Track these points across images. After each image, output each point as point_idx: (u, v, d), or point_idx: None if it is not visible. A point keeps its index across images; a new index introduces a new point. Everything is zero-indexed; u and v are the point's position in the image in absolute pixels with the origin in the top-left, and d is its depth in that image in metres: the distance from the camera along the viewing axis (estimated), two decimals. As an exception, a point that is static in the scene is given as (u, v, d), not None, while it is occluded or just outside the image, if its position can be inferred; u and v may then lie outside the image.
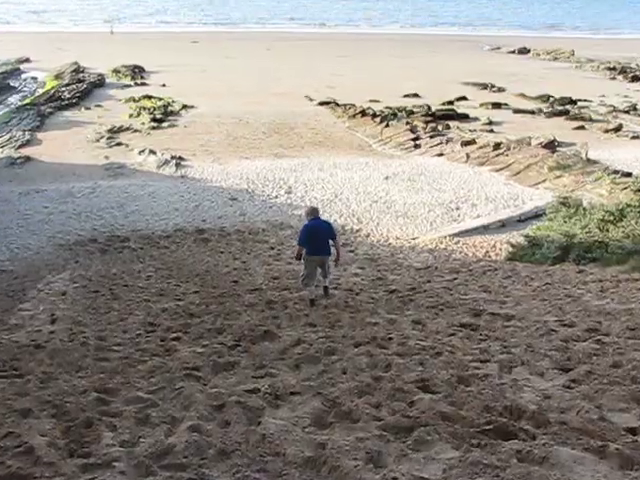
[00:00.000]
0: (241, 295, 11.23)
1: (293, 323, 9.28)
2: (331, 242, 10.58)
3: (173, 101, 38.86)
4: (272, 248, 16.09)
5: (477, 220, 19.31)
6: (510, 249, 16.12)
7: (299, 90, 42.17)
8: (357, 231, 18.23)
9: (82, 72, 47.50)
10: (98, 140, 29.77)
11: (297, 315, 9.74)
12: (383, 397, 5.89)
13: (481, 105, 39.74)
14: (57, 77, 46.25)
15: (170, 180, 23.63)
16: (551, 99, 41.36)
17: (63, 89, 41.15)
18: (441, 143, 29.79)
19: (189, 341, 8.46)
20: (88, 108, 36.79)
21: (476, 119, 35.53)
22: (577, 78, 50.14)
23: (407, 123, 33.45)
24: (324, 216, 18.80)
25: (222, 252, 15.59)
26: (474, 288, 11.59)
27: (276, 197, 21.58)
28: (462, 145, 28.86)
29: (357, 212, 19.97)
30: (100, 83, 45.10)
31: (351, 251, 15.85)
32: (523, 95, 43.20)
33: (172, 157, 26.25)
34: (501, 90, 45.39)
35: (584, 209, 16.43)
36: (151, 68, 49.88)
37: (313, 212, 10.70)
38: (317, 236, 10.32)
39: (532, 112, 37.81)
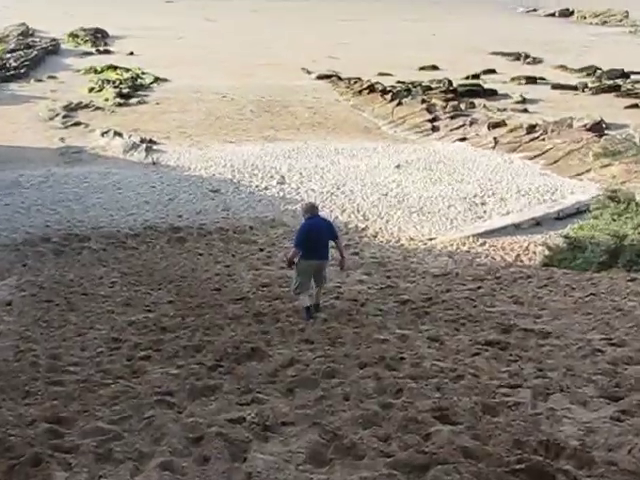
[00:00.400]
0: (224, 306, 11.29)
1: (286, 339, 9.32)
2: (331, 243, 10.77)
3: (143, 73, 38.95)
4: (261, 250, 16.07)
5: (507, 217, 19.34)
6: (546, 252, 16.09)
7: (294, 61, 42.28)
8: (363, 230, 18.21)
9: (31, 36, 47.56)
10: (52, 119, 29.83)
11: (291, 330, 9.77)
12: (393, 428, 5.91)
13: (513, 80, 39.87)
14: (0, 41, 46.20)
15: (139, 168, 23.72)
16: (598, 72, 41.51)
17: (8, 56, 41.17)
18: (464, 125, 29.84)
19: (161, 360, 8.49)
20: (39, 80, 36.91)
21: (506, 96, 35.65)
22: (631, 46, 50.15)
23: (423, 101, 33.54)
24: (322, 213, 18.89)
25: (201, 254, 15.58)
26: (503, 299, 11.63)
27: (266, 189, 21.67)
28: (489, 128, 28.95)
29: (363, 207, 19.98)
30: (54, 50, 45.15)
31: (355, 254, 15.82)
32: (564, 67, 43.37)
33: (141, 140, 26.34)
34: (537, 61, 45.59)
35: (637, 205, 16.46)
36: (116, 32, 50.09)
37: (311, 209, 10.85)
38: (316, 237, 10.44)
39: (574, 88, 37.97)
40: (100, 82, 36.45)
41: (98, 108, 32.02)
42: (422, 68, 42.30)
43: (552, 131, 27.72)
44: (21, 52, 42.38)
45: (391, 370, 7.82)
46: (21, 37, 46.88)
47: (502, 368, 7.80)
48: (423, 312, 10.73)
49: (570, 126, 28.41)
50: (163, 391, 7.26)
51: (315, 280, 10.87)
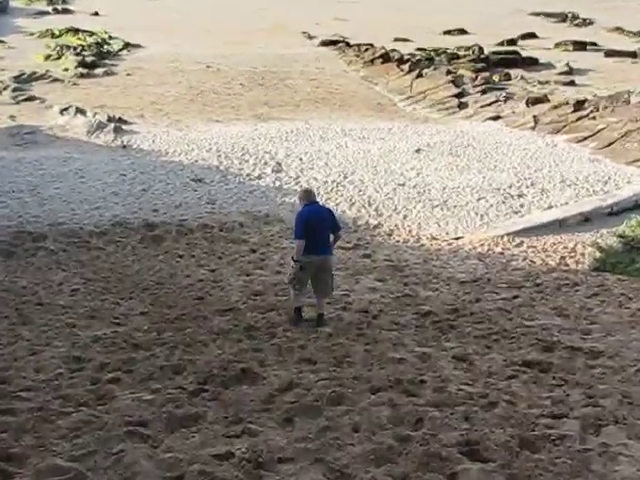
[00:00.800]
0: (208, 318, 11.33)
1: (283, 358, 9.34)
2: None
3: (110, 37, 38.98)
4: (253, 251, 15.98)
5: (549, 212, 19.26)
6: (597, 255, 16.02)
7: (293, 24, 42.30)
8: (375, 227, 18.06)
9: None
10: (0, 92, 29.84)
11: (289, 347, 9.78)
12: (412, 466, 5.93)
13: (557, 46, 39.88)
14: None
15: (106, 152, 23.64)
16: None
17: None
18: (497, 101, 29.84)
19: (132, 384, 8.50)
20: (-17, 46, 36.89)
21: (549, 66, 35.64)
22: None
23: (449, 72, 33.58)
24: (327, 206, 18.75)
25: (181, 256, 15.53)
26: (544, 310, 11.64)
27: (259, 178, 21.56)
28: (528, 104, 28.96)
29: (376, 200, 19.77)
30: (1, 8, 45.05)
31: (366, 256, 15.73)
32: (620, 30, 43.28)
33: (109, 119, 26.30)
34: (587, 23, 45.52)
35: None
36: (78, -11, 50.03)
37: (308, 195, 11.15)
38: (317, 227, 10.68)
39: (633, 54, 37.93)
40: (58, 48, 36.46)
41: (56, 80, 31.99)
42: (447, 32, 42.34)
43: (605, 108, 27.67)
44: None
45: (409, 396, 7.82)
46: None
47: (543, 394, 7.83)
48: (448, 326, 10.74)
49: (627, 102, 28.34)
50: (135, 421, 7.22)
51: (317, 284, 10.93)
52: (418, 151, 24.14)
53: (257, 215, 18.49)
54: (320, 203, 12.08)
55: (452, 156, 23.64)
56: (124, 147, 24.29)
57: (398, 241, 17.16)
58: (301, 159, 23.18)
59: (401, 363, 9.00)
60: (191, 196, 19.83)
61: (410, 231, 17.83)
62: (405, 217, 18.70)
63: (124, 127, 25.92)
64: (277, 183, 21.15)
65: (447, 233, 17.75)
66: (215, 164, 22.66)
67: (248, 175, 21.77)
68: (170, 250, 15.89)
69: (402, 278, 14.08)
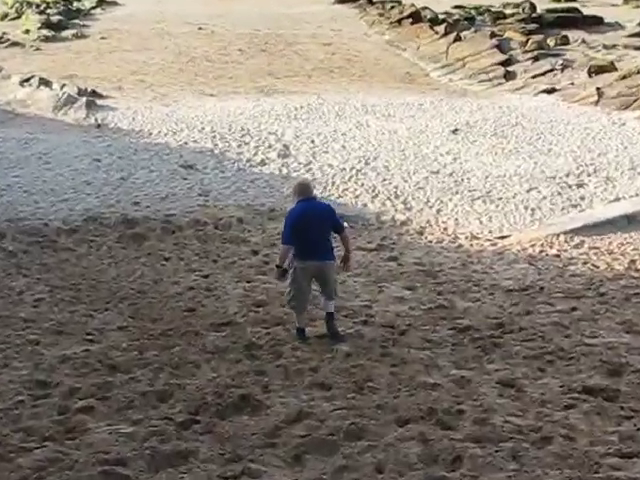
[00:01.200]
0: (201, 334, 11.29)
1: (291, 382, 9.32)
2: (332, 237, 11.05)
3: (81, -7, 38.96)
4: (255, 252, 15.83)
5: (615, 206, 19.11)
6: (675, 258, 16.09)
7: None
8: (403, 224, 17.82)
9: None
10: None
11: (298, 369, 9.76)
12: (448, 515, 5.90)
13: (627, 1, 39.71)
14: None
15: (76, 132, 23.68)
16: None
17: None
18: (552, 70, 29.77)
19: (108, 414, 8.49)
20: None
21: (617, 26, 35.45)
22: None
23: (492, 35, 33.51)
24: (345, 199, 18.77)
25: (168, 259, 15.40)
26: (609, 326, 11.54)
27: (263, 164, 21.53)
28: (590, 74, 28.82)
29: (404, 191, 19.56)
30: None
31: (392, 259, 15.58)
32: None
33: (80, 92, 26.35)
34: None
35: None
36: None
37: (304, 189, 11.31)
38: (313, 226, 10.79)
39: None
40: (17, 5, 36.55)
41: (15, 44, 32.07)
42: (491, -14, 42.19)
43: (684, 78, 27.50)
44: None
45: (445, 429, 7.83)
46: None
47: (609, 428, 7.78)
48: (491, 344, 10.70)
49: None
50: (112, 458, 7.21)
51: (321, 287, 11.11)
52: (455, 131, 24.06)
53: (260, 209, 18.30)
54: (319, 198, 12.32)
55: (497, 137, 23.54)
56: (98, 126, 24.29)
57: (431, 241, 16.98)
58: (313, 141, 23.06)
59: (434, 389, 8.95)
60: (180, 186, 19.70)
61: (445, 229, 17.62)
62: (439, 212, 18.51)
63: (98, 102, 25.88)
64: (284, 170, 21.03)
65: (490, 231, 17.50)
66: (209, 147, 22.57)
67: (249, 161, 21.70)
68: (154, 251, 15.80)
69: (435, 286, 13.99)
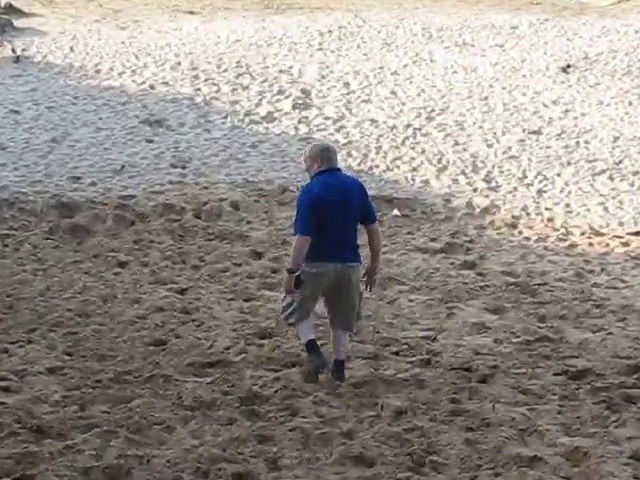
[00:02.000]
0: (174, 380, 10.11)
1: (312, 455, 8.24)
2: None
3: None
4: (257, 255, 14.66)
5: None
6: None
7: None
8: (484, 212, 16.61)
9: None
10: None
11: (322, 434, 8.65)
12: None
13: None
14: None
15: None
16: None
17: None
18: None
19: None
20: None
21: None
22: None
23: None
24: (395, 172, 17.55)
25: (124, 265, 14.23)
26: None
27: (270, 120, 20.07)
28: None
29: (487, 161, 18.32)
30: None
31: (469, 265, 14.32)
32: None
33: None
34: None
35: None
36: None
37: (324, 155, 10.10)
38: (336, 213, 9.70)
39: None
40: None
41: None
42: None
43: None
44: None
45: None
46: None
47: None
48: (622, 399, 9.61)
49: None
50: None
51: (333, 310, 9.86)
52: (566, 69, 22.83)
53: (265, 189, 17.12)
54: (344, 171, 10.83)
55: (631, 78, 22.58)
56: (17, 59, 22.84)
57: (527, 238, 15.72)
58: (347, 84, 21.71)
59: (534, 466, 7.91)
60: (143, 152, 18.42)
61: (551, 219, 16.43)
62: (541, 193, 17.24)
63: (17, 22, 25.04)
64: (302, 129, 19.72)
65: (621, 224, 16.29)
66: (187, 93, 21.31)
67: (249, 114, 20.29)
68: (103, 253, 14.56)
69: (535, 307, 12.83)
